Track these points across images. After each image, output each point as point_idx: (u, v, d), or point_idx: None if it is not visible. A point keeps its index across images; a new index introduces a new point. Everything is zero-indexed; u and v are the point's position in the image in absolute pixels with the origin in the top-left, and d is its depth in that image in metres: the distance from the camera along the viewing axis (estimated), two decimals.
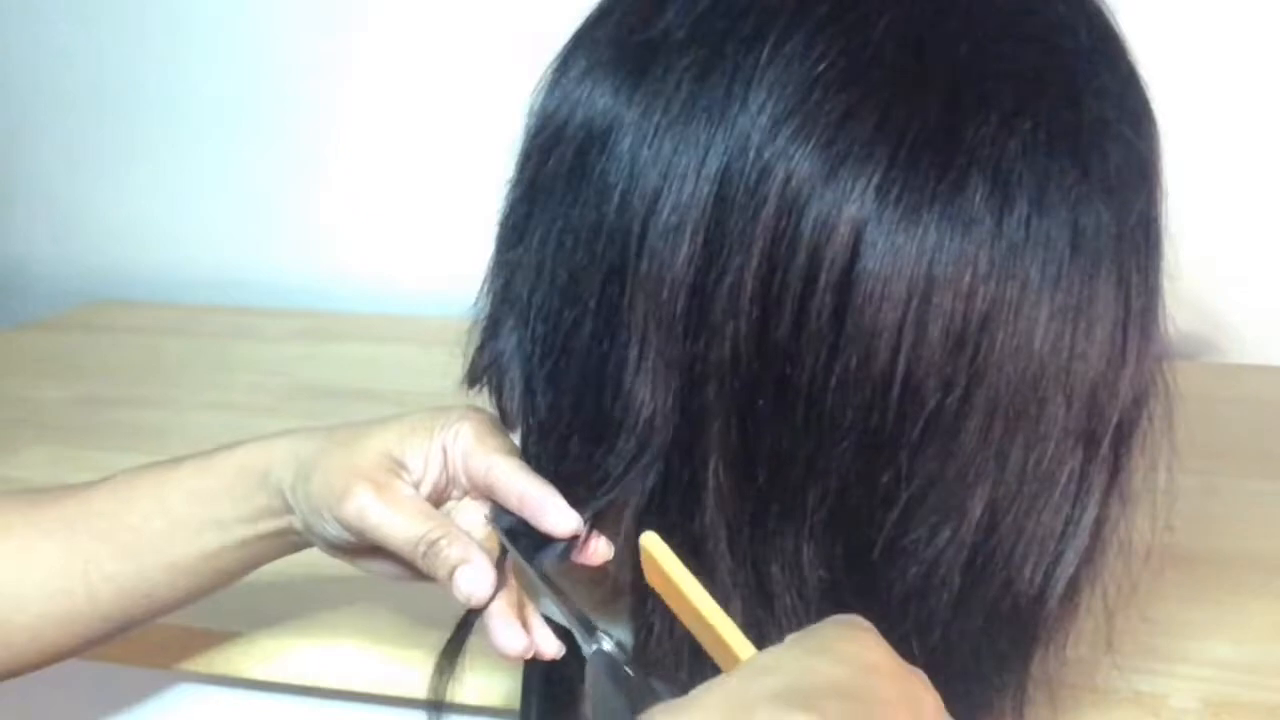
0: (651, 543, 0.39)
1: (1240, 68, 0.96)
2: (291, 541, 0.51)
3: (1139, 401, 0.41)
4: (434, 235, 1.10)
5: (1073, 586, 0.42)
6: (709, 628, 0.37)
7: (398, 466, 0.48)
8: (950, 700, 0.36)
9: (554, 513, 0.43)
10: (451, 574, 0.45)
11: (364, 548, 0.48)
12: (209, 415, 0.92)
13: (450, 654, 0.49)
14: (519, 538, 0.45)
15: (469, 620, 0.47)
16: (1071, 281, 0.37)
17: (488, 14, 1.06)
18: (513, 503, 0.45)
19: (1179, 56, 0.96)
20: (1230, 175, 0.98)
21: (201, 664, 0.63)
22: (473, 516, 0.48)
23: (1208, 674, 0.56)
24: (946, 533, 0.38)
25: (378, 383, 0.94)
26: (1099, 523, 0.41)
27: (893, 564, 0.39)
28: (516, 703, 0.54)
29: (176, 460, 0.53)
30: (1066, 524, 0.40)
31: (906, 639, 0.39)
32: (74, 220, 1.29)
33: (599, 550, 0.44)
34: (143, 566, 0.51)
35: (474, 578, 0.45)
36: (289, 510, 0.50)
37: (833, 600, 0.39)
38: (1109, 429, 0.40)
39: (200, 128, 1.21)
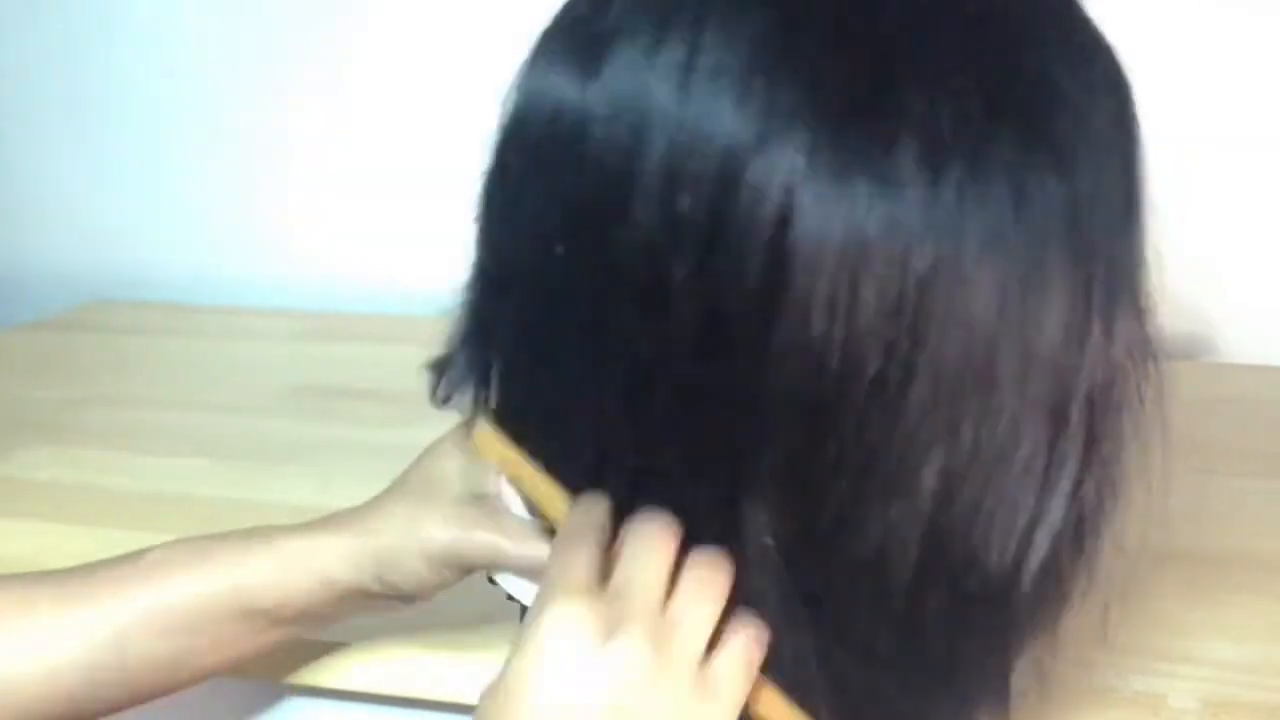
0: (484, 439, 0.44)
1: (1238, 69, 0.96)
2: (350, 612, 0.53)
3: (1112, 381, 0.41)
4: (434, 235, 1.10)
5: (1052, 572, 0.41)
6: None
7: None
8: (932, 693, 0.36)
9: None
10: None
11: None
12: (208, 415, 0.92)
13: None
14: None
15: None
16: (1016, 248, 0.36)
17: (488, 11, 1.06)
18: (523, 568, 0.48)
19: (1179, 57, 0.96)
20: (1229, 175, 0.98)
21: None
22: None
23: (1208, 674, 0.56)
24: (899, 504, 0.38)
25: (378, 383, 0.94)
26: (1079, 507, 0.41)
27: (844, 534, 0.39)
28: None
29: (209, 543, 0.52)
30: (1036, 503, 0.40)
31: (870, 620, 0.40)
32: (74, 220, 1.29)
33: None
34: (177, 645, 0.51)
35: None
36: (363, 592, 0.50)
37: (789, 568, 0.39)
38: (1075, 406, 0.39)
39: (200, 128, 1.21)
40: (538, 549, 0.46)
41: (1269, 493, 0.76)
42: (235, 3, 1.16)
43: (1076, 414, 0.39)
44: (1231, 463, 0.80)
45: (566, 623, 0.38)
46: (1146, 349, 0.43)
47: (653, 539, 0.40)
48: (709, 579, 0.39)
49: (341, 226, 1.14)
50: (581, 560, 0.39)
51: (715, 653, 0.39)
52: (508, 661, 0.38)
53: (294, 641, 0.55)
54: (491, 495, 0.49)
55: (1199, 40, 0.95)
